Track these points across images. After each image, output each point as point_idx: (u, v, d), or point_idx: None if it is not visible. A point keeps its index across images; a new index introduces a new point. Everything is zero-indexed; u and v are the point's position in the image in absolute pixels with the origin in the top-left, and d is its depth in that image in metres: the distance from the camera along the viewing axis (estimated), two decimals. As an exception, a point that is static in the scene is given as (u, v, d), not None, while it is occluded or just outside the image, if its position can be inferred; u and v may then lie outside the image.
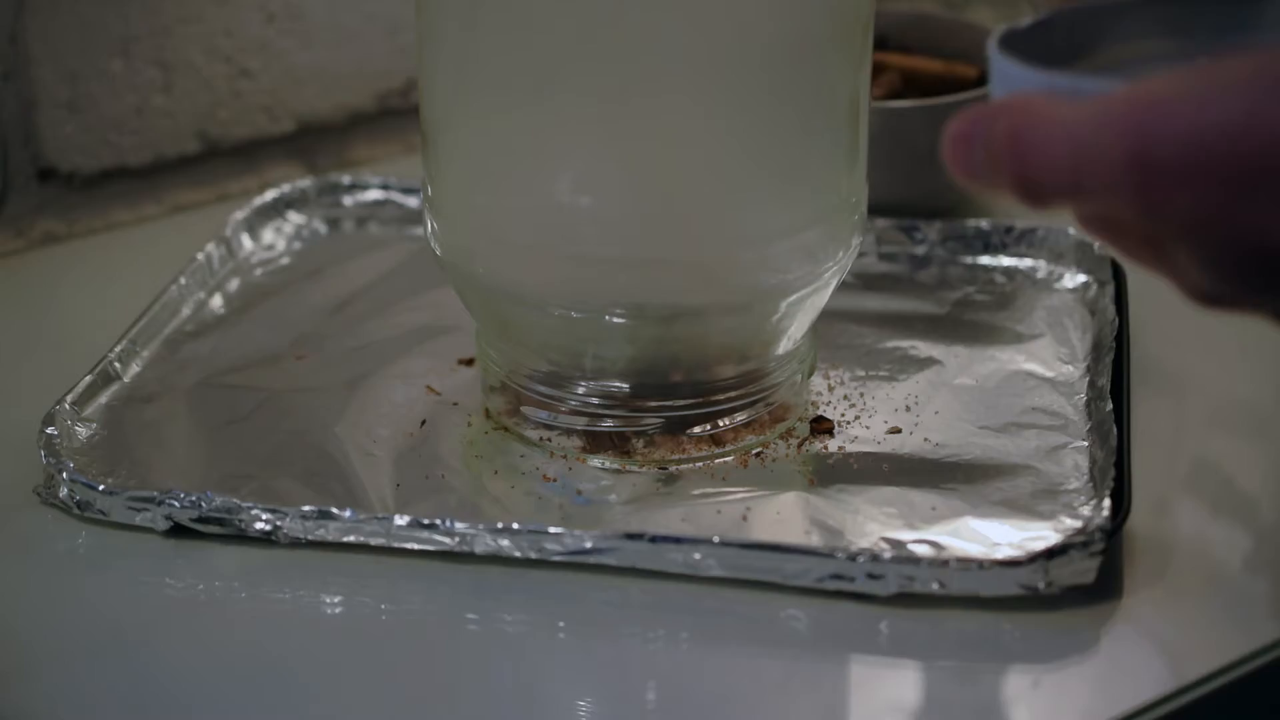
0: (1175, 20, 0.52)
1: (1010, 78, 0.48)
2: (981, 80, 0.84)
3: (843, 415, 0.66)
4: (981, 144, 0.47)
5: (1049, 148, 0.45)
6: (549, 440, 0.64)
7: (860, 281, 0.76)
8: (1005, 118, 0.46)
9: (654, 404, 0.63)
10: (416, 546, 0.58)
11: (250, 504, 0.59)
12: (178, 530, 0.60)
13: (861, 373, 0.68)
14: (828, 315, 0.72)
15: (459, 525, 0.58)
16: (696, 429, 0.64)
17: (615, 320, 0.61)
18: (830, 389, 0.67)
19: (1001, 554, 0.56)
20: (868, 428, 0.65)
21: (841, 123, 0.61)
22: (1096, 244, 0.74)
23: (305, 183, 0.82)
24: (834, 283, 0.64)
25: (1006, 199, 0.47)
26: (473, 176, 0.62)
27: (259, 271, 0.78)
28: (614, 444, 0.63)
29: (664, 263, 0.60)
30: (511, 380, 0.65)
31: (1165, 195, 0.43)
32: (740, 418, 0.64)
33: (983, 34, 0.86)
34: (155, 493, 0.60)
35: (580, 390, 0.63)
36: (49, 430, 0.63)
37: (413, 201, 0.83)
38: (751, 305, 0.62)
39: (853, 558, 0.56)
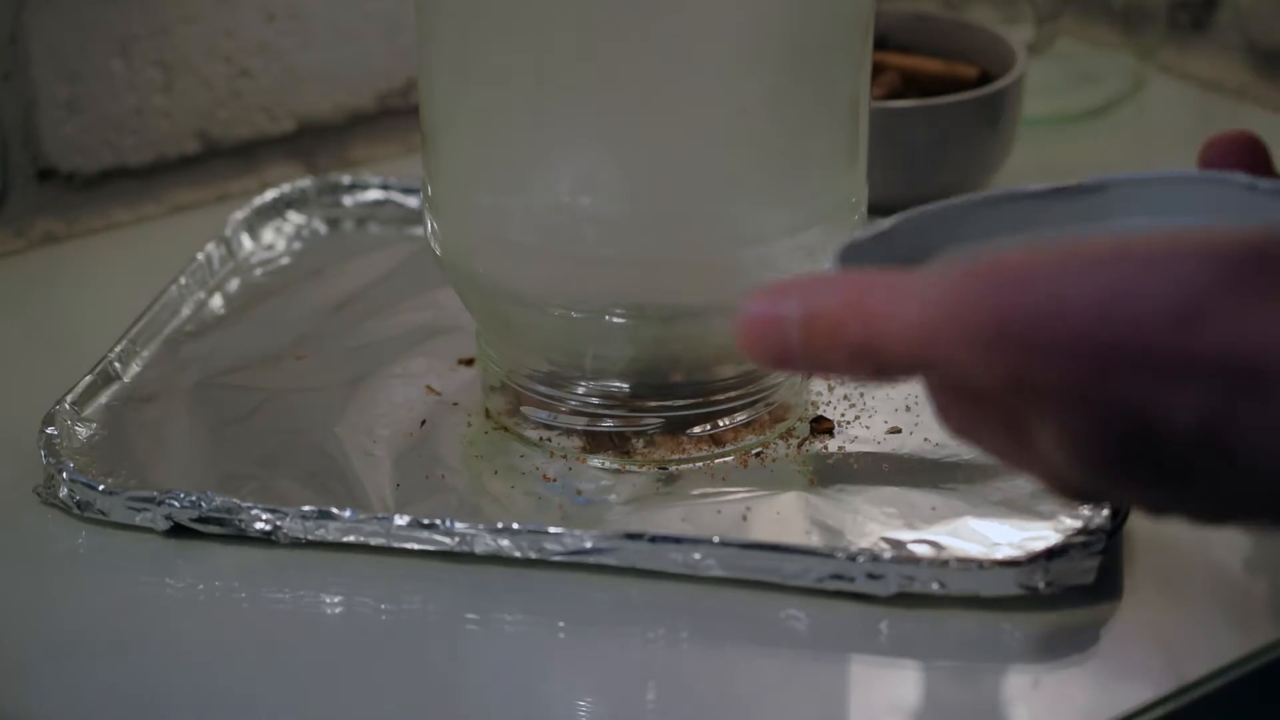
0: (1017, 218, 0.51)
1: None
2: (981, 80, 0.84)
3: (843, 415, 0.66)
4: (799, 320, 0.44)
5: (899, 314, 0.43)
6: (549, 440, 0.64)
7: (860, 281, 0.76)
8: (837, 287, 0.44)
9: (654, 404, 0.63)
10: (416, 546, 0.58)
11: (250, 504, 0.59)
12: (178, 530, 0.60)
13: (861, 373, 0.68)
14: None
15: (459, 525, 0.58)
16: (696, 429, 0.64)
17: (615, 320, 0.61)
18: (830, 389, 0.67)
19: (1001, 554, 0.56)
20: (868, 428, 0.65)
21: (841, 123, 0.61)
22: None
23: (305, 183, 0.82)
24: None
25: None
26: (473, 176, 0.62)
27: (259, 271, 0.78)
28: (614, 444, 0.63)
29: (664, 263, 0.60)
30: (511, 380, 0.65)
31: (1029, 366, 0.41)
32: (740, 418, 0.64)
33: (983, 34, 0.86)
34: (155, 493, 0.60)
35: (580, 390, 0.63)
36: (49, 430, 0.63)
37: (413, 201, 0.83)
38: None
39: (853, 558, 0.56)
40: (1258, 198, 0.48)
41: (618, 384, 0.63)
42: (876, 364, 0.43)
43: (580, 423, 0.63)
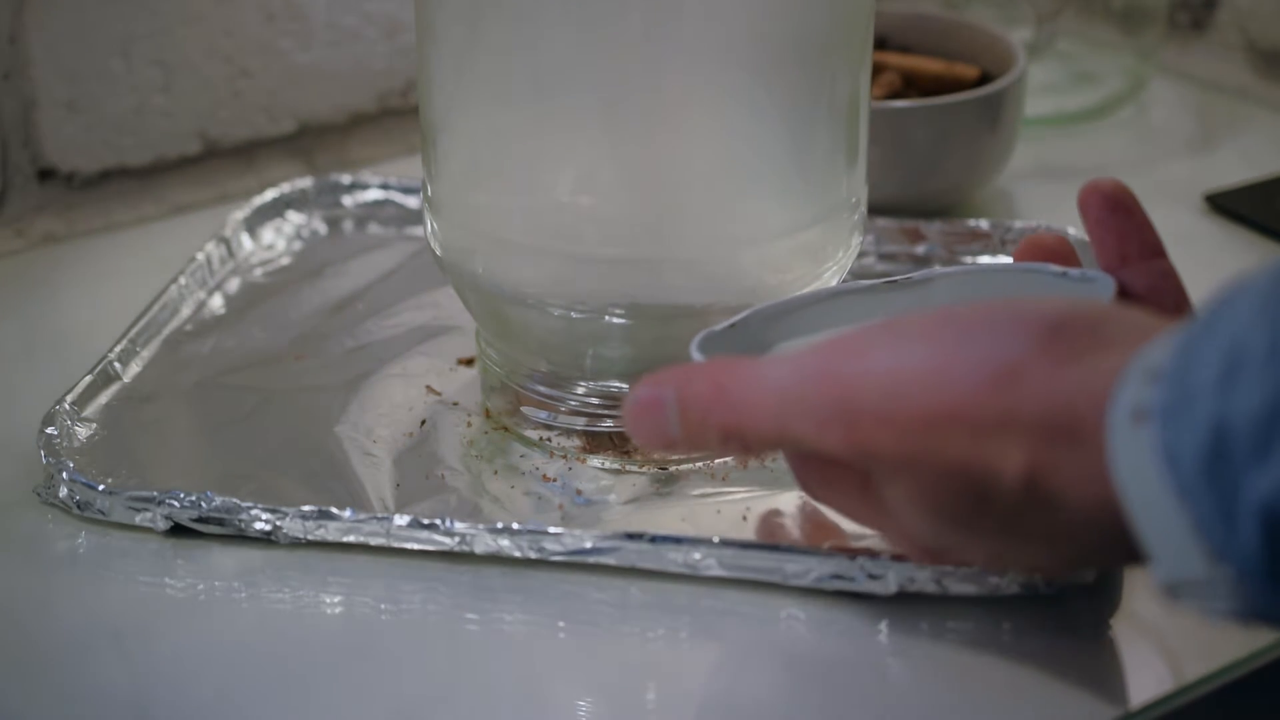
0: (856, 310, 0.57)
1: None
2: (981, 80, 0.84)
3: (843, 415, 0.66)
4: (675, 406, 0.49)
5: (755, 397, 0.47)
6: (549, 440, 0.64)
7: (860, 281, 0.76)
8: (702, 375, 0.49)
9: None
10: (416, 546, 0.58)
11: (250, 504, 0.59)
12: (178, 530, 0.60)
13: (861, 372, 0.68)
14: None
15: (459, 525, 0.58)
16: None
17: (615, 320, 0.61)
18: (830, 389, 0.67)
19: (1001, 554, 0.56)
20: (868, 427, 0.65)
21: (842, 122, 0.61)
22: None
23: (305, 183, 0.82)
24: (834, 283, 0.64)
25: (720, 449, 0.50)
26: (472, 176, 0.62)
27: (259, 271, 0.78)
28: (614, 444, 0.63)
29: (664, 262, 0.60)
30: (511, 380, 0.65)
31: (869, 435, 0.45)
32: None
33: (983, 34, 0.86)
34: (155, 493, 0.60)
35: (580, 390, 0.63)
36: (49, 430, 0.63)
37: (413, 201, 0.83)
38: (751, 305, 0.62)
39: (852, 557, 0.56)
40: (1067, 283, 0.54)
41: (617, 384, 0.63)
42: (742, 444, 0.48)
43: (580, 423, 0.63)
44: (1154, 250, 0.54)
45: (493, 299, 0.63)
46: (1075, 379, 0.42)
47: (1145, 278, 0.54)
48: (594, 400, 0.63)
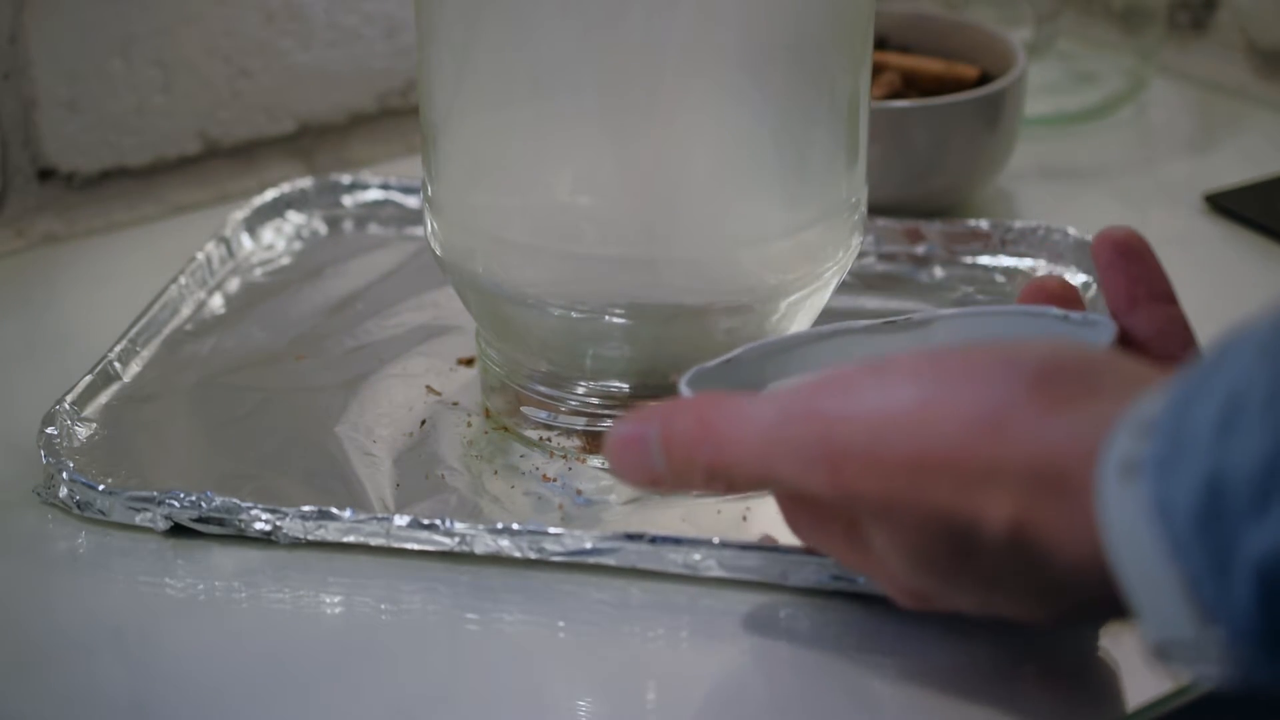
0: (851, 349, 0.57)
1: None
2: (981, 80, 0.84)
3: (843, 415, 0.66)
4: (659, 443, 0.48)
5: (739, 435, 0.47)
6: (549, 440, 0.64)
7: (860, 281, 0.76)
8: (688, 412, 0.48)
9: (654, 404, 0.63)
10: (416, 546, 0.58)
11: (250, 504, 0.59)
12: (178, 530, 0.60)
13: (861, 372, 0.68)
14: (828, 315, 0.72)
15: (459, 525, 0.58)
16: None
17: (615, 320, 0.61)
18: (830, 389, 0.67)
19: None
20: (868, 427, 0.65)
21: (842, 122, 0.61)
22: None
23: (305, 182, 0.82)
24: (834, 282, 0.64)
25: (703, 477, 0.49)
26: (473, 176, 0.62)
27: (259, 271, 0.78)
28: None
29: (663, 262, 0.60)
30: (511, 380, 0.65)
31: (853, 477, 0.44)
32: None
33: (983, 34, 0.86)
34: (155, 493, 0.60)
35: (580, 390, 0.63)
36: (49, 430, 0.63)
37: (413, 201, 0.83)
38: (751, 305, 0.62)
39: (853, 557, 0.56)
40: (1068, 327, 0.53)
41: (618, 384, 0.63)
42: (728, 482, 0.48)
43: (580, 423, 0.63)
44: (1165, 296, 0.53)
45: (493, 299, 0.63)
46: (1064, 428, 0.41)
47: (1153, 322, 0.53)
48: (594, 400, 0.63)
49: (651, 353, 0.62)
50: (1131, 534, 0.39)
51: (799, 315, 0.63)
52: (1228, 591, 0.37)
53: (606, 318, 0.61)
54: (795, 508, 0.51)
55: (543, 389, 0.64)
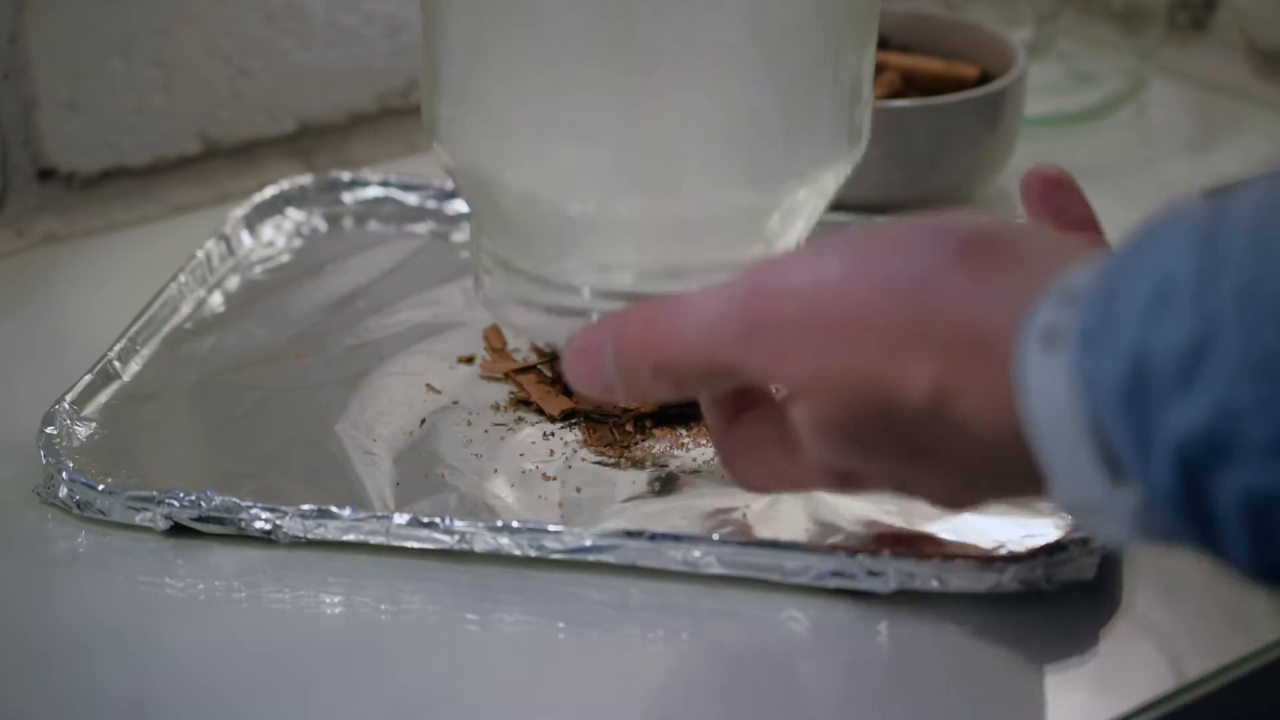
0: None
1: None
2: (981, 80, 0.84)
3: (843, 414, 0.66)
4: (610, 348, 0.49)
5: (683, 327, 0.48)
6: (541, 330, 0.64)
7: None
8: (634, 316, 0.50)
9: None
10: (416, 545, 0.58)
11: (250, 503, 0.59)
12: (178, 530, 0.60)
13: (861, 372, 0.68)
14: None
15: (459, 524, 0.58)
16: (695, 425, 0.64)
17: (624, 215, 0.60)
18: (830, 388, 0.67)
19: (1002, 550, 0.56)
20: (868, 427, 0.65)
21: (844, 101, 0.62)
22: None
23: (305, 180, 0.82)
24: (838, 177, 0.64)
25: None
26: (484, 71, 0.61)
27: (258, 269, 0.78)
28: (614, 437, 0.64)
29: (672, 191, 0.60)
30: (509, 267, 0.64)
31: (786, 350, 0.45)
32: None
33: (983, 34, 0.86)
34: (155, 492, 0.60)
35: (585, 292, 0.63)
36: (49, 430, 0.63)
37: (412, 198, 0.83)
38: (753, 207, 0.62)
39: (853, 555, 0.56)
40: None
41: (621, 284, 0.62)
42: (674, 380, 0.49)
43: (576, 323, 0.62)
44: (1089, 223, 0.54)
45: (498, 195, 0.62)
46: (988, 296, 0.42)
47: None
48: (598, 304, 0.63)
49: (658, 256, 0.61)
50: (1050, 401, 0.40)
51: (805, 208, 0.64)
52: (1148, 466, 0.38)
53: (615, 211, 0.60)
54: (727, 426, 0.52)
55: (541, 289, 0.64)
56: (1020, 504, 0.59)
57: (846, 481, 0.50)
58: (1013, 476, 0.44)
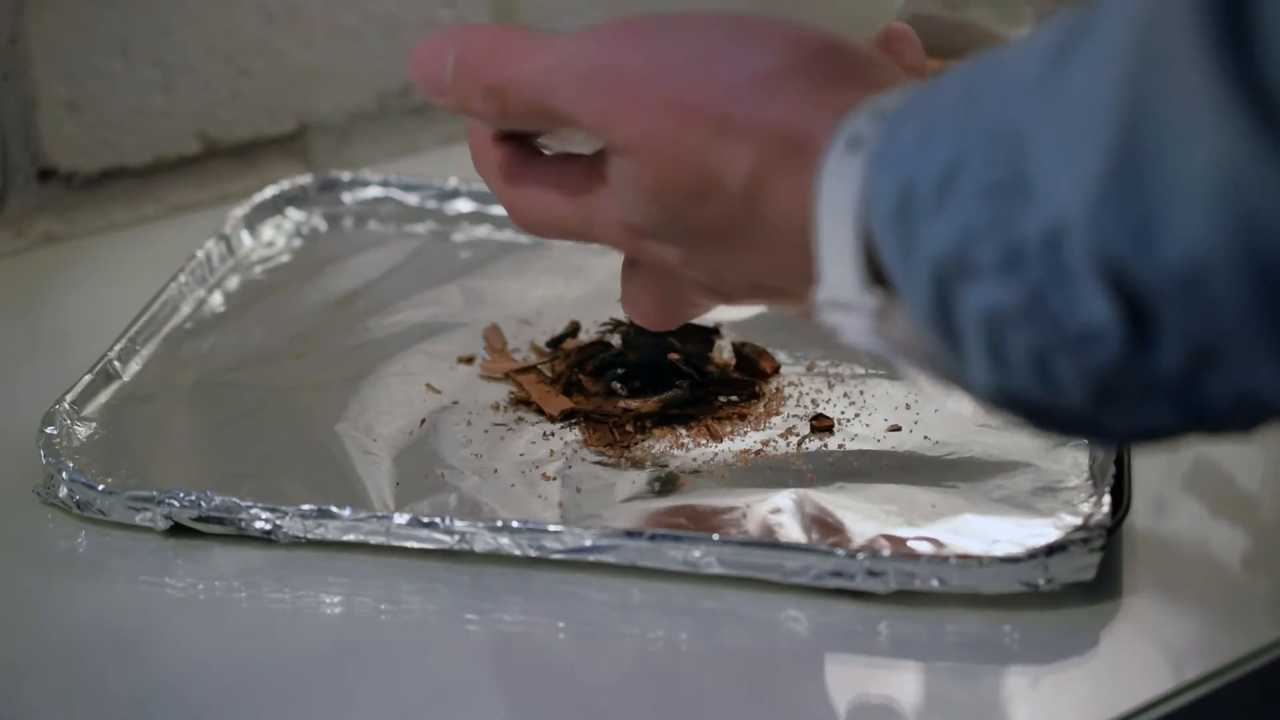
0: None
1: None
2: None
3: (843, 413, 0.66)
4: (452, 57, 0.49)
5: (529, 60, 0.48)
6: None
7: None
8: (486, 34, 0.50)
9: (654, 397, 0.64)
10: (416, 545, 0.58)
11: (250, 503, 0.59)
12: (178, 530, 0.60)
13: (861, 371, 0.68)
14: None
15: (459, 523, 0.58)
16: (695, 425, 0.64)
17: None
18: (830, 386, 0.67)
19: (1001, 550, 0.56)
20: (868, 425, 0.65)
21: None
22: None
23: (305, 179, 0.82)
24: None
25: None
26: None
27: (259, 269, 0.78)
28: (614, 436, 0.64)
29: None
30: None
31: (622, 108, 0.46)
32: (738, 411, 0.64)
33: (983, 34, 0.86)
34: (155, 492, 0.60)
35: None
36: (49, 430, 0.63)
37: (412, 198, 0.83)
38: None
39: (852, 555, 0.56)
40: None
41: None
42: (501, 105, 0.49)
43: None
44: (921, 73, 0.55)
45: None
46: (822, 102, 0.44)
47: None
48: None
49: None
50: (836, 199, 0.42)
51: None
52: (910, 282, 0.41)
53: None
54: (524, 158, 0.52)
55: None
56: (1020, 504, 0.59)
57: (634, 240, 0.50)
58: (790, 274, 0.46)
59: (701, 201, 0.46)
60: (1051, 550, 0.55)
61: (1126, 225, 0.36)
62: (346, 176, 0.83)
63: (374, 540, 0.58)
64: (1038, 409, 0.40)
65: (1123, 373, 0.38)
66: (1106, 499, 0.57)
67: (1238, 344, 0.37)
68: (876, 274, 0.42)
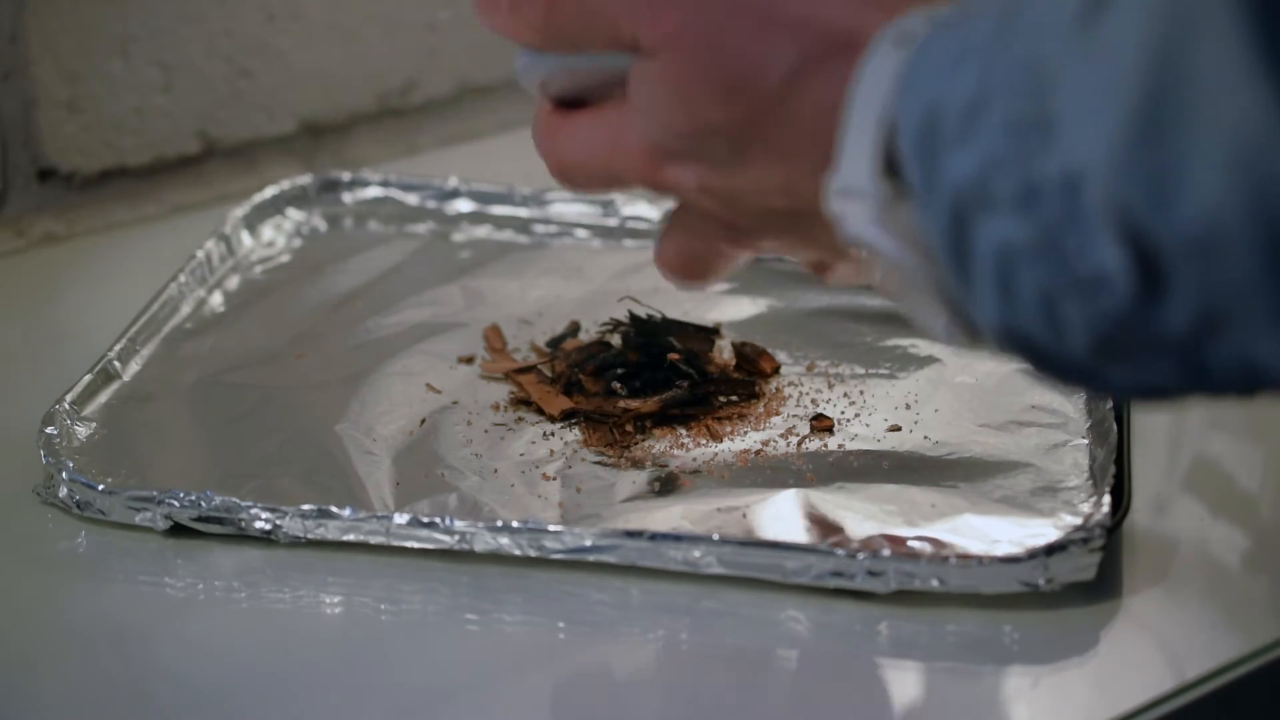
0: None
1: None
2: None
3: (843, 413, 0.66)
4: None
5: None
6: None
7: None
8: None
9: (654, 397, 0.64)
10: (416, 545, 0.58)
11: (250, 503, 0.59)
12: (178, 530, 0.60)
13: (861, 370, 0.68)
14: (828, 313, 0.72)
15: (458, 523, 0.58)
16: (695, 425, 0.64)
17: None
18: (830, 386, 0.67)
19: (1001, 550, 0.56)
20: (868, 425, 0.65)
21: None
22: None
23: (305, 180, 0.82)
24: None
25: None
26: None
27: (258, 269, 0.78)
28: (614, 437, 0.64)
29: None
30: None
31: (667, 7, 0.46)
32: (738, 410, 0.64)
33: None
34: (155, 492, 0.60)
35: None
36: (49, 430, 0.63)
37: (412, 198, 0.83)
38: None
39: (853, 555, 0.56)
40: None
41: None
42: (548, 5, 0.49)
43: None
44: None
45: None
46: (876, 3, 0.44)
47: None
48: None
49: None
50: (872, 87, 0.42)
51: None
52: (929, 206, 0.40)
53: None
54: (569, 117, 0.51)
55: None
56: (1020, 504, 0.59)
57: (653, 164, 0.49)
58: (804, 190, 0.45)
59: (730, 100, 0.45)
60: (1051, 550, 0.55)
61: (1146, 180, 0.36)
62: (346, 176, 0.83)
63: (374, 540, 0.58)
64: (1041, 351, 0.40)
65: (1128, 325, 0.38)
66: (1106, 499, 0.57)
67: (1246, 312, 0.37)
68: (891, 169, 0.42)
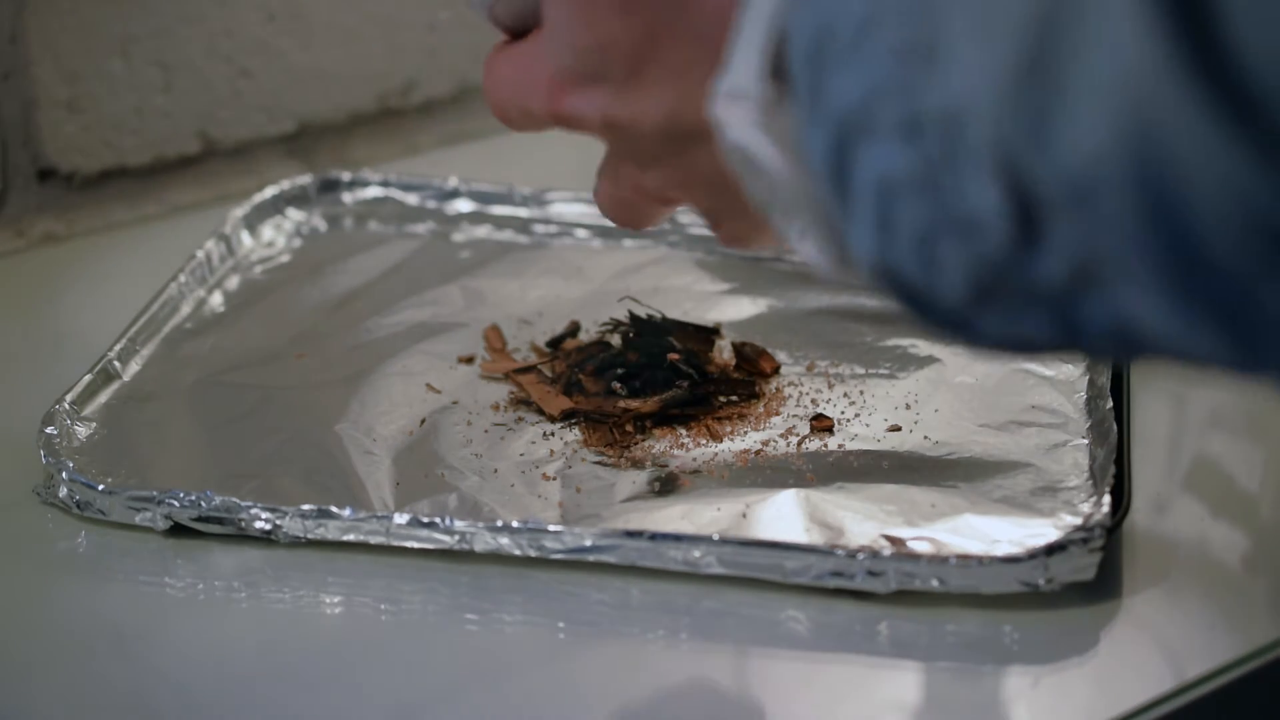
0: None
1: None
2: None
3: (843, 413, 0.66)
4: None
5: None
6: None
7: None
8: None
9: (654, 397, 0.64)
10: (416, 545, 0.58)
11: (250, 503, 0.59)
12: (178, 530, 0.60)
13: (861, 370, 0.68)
14: (828, 313, 0.72)
15: (458, 523, 0.58)
16: (695, 425, 0.64)
17: None
18: (830, 386, 0.67)
19: (1001, 550, 0.56)
20: (868, 425, 0.65)
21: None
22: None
23: (305, 180, 0.82)
24: None
25: None
26: None
27: (258, 269, 0.78)
28: (614, 438, 0.64)
29: None
30: None
31: None
32: (738, 410, 0.64)
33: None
34: (155, 492, 0.60)
35: None
36: (49, 430, 0.63)
37: (412, 198, 0.83)
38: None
39: (852, 555, 0.56)
40: None
41: None
42: None
43: None
44: None
45: None
46: None
47: None
48: None
49: None
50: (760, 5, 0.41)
51: None
52: (812, 126, 0.39)
53: None
54: (505, 46, 0.51)
55: None
56: (1020, 504, 0.59)
57: (560, 94, 0.49)
58: (699, 105, 0.44)
59: (628, 9, 0.45)
60: (1051, 550, 0.55)
61: (1027, 119, 0.35)
62: (346, 176, 0.83)
63: (374, 540, 0.58)
64: (913, 291, 0.39)
65: (1003, 271, 0.37)
66: (1106, 499, 0.57)
67: (1119, 266, 0.36)
68: (779, 80, 0.41)
